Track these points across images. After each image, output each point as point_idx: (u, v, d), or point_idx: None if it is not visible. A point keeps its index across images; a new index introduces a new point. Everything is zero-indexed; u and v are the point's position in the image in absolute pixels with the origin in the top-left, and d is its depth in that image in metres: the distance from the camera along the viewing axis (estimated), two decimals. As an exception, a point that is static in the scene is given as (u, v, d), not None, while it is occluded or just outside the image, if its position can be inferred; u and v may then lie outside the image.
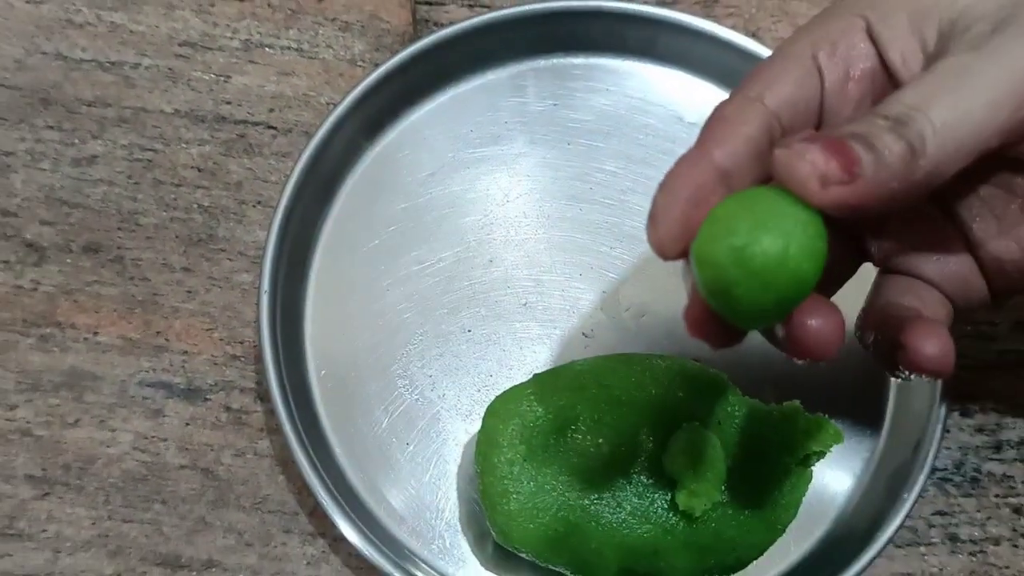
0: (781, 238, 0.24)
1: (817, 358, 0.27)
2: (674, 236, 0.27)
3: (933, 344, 0.29)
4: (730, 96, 0.30)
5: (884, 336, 0.31)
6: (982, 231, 0.32)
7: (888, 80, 0.30)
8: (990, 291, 0.33)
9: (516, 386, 0.39)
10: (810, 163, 0.25)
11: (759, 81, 0.30)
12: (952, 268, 0.32)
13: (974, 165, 0.27)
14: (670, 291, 0.44)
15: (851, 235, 0.33)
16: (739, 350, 0.43)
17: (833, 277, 0.33)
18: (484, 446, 0.37)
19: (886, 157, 0.25)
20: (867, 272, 0.35)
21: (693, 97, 0.47)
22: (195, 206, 0.45)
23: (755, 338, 0.43)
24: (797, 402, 0.39)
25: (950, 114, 0.26)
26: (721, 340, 0.29)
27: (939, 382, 0.40)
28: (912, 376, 0.31)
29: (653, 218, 0.27)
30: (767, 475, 0.38)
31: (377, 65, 0.46)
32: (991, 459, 0.43)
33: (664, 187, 0.28)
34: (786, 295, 0.25)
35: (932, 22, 0.29)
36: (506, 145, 0.46)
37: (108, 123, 0.47)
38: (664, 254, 0.27)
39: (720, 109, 0.30)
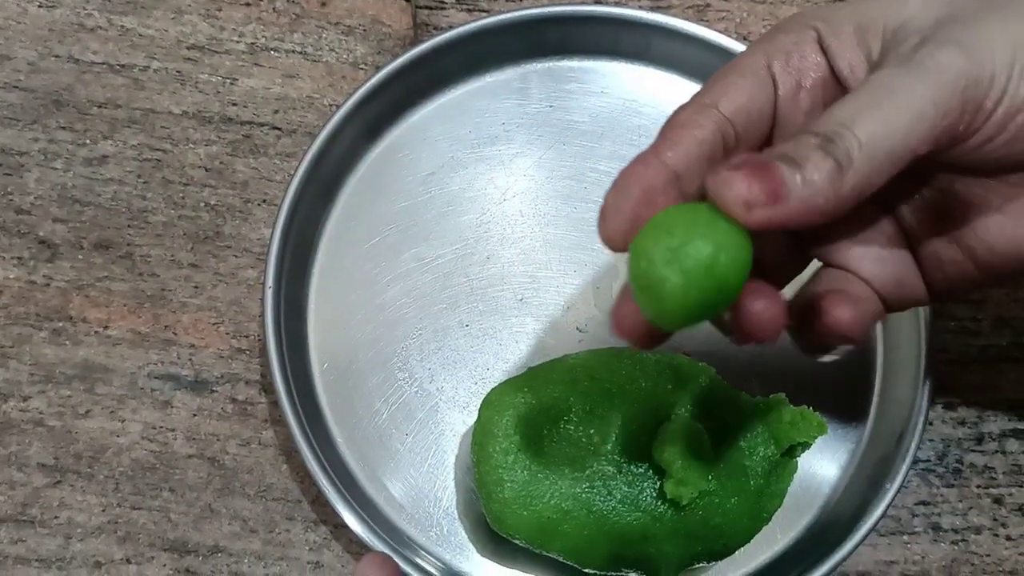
0: (712, 246, 0.26)
1: (759, 340, 0.28)
2: (623, 231, 0.28)
3: (846, 310, 0.30)
4: (687, 102, 0.32)
5: (805, 315, 0.32)
6: (923, 231, 0.33)
7: (839, 89, 0.32)
8: (929, 290, 0.34)
9: (511, 378, 0.40)
10: (734, 191, 0.27)
11: (715, 89, 0.31)
12: (890, 268, 0.33)
13: (913, 168, 0.28)
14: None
15: (797, 233, 0.34)
16: (726, 345, 0.44)
17: (783, 273, 0.34)
18: (480, 436, 0.39)
19: (813, 177, 0.27)
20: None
21: (685, 99, 0.48)
22: (202, 204, 0.47)
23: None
24: (783, 394, 0.40)
25: (875, 128, 0.27)
26: (644, 341, 0.30)
27: (923, 380, 0.42)
28: (825, 350, 0.32)
29: (604, 213, 0.29)
30: (753, 465, 0.39)
31: (379, 68, 0.47)
32: (973, 451, 0.44)
33: (617, 185, 0.29)
34: (710, 299, 0.27)
35: (876, 34, 0.31)
36: (503, 146, 0.47)
37: (119, 124, 0.48)
38: (612, 247, 0.29)
39: (676, 114, 0.31)
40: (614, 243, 0.29)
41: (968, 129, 0.28)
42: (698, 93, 0.32)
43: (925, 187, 0.33)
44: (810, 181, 0.27)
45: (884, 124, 0.27)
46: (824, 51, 0.32)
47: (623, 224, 0.28)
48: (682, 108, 0.31)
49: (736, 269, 0.27)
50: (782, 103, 0.32)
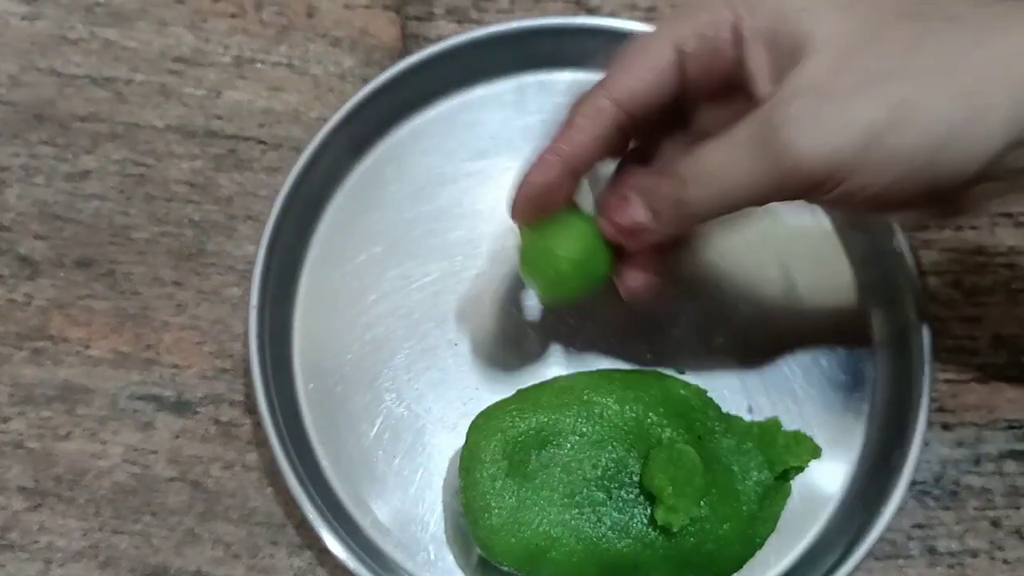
0: (582, 251, 0.36)
1: (634, 299, 0.38)
2: (527, 219, 0.37)
3: (636, 277, 0.38)
4: (589, 93, 0.35)
5: None
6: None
7: (744, 75, 0.33)
8: None
9: (499, 401, 0.40)
10: (603, 225, 0.36)
11: (616, 79, 0.35)
12: None
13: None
14: (654, 307, 0.44)
15: None
16: (718, 366, 0.44)
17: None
18: (467, 461, 0.38)
19: (662, 215, 0.34)
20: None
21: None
22: (186, 221, 0.46)
23: (734, 355, 0.44)
24: (776, 418, 0.40)
25: (710, 193, 0.33)
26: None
27: (920, 400, 0.41)
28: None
29: (513, 205, 0.36)
30: (746, 490, 0.38)
31: (367, 81, 0.46)
32: (970, 472, 0.43)
33: (523, 183, 0.36)
34: (580, 286, 0.37)
35: (785, 38, 0.32)
36: (493, 160, 0.47)
37: (101, 138, 0.47)
38: (519, 227, 0.37)
39: (576, 108, 0.36)
40: (519, 227, 0.37)
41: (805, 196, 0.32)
42: (600, 81, 0.35)
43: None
44: (661, 220, 0.34)
45: (721, 196, 0.32)
46: (736, 39, 0.33)
47: (528, 215, 0.36)
48: (582, 101, 0.36)
49: (600, 264, 0.37)
50: (692, 85, 0.35)
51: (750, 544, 0.39)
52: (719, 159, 0.32)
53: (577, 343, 0.44)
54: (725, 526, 0.37)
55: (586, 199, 0.38)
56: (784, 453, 0.39)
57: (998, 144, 0.29)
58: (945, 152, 0.30)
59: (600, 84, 0.35)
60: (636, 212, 0.34)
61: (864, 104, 0.30)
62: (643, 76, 0.34)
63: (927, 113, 0.29)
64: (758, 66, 0.33)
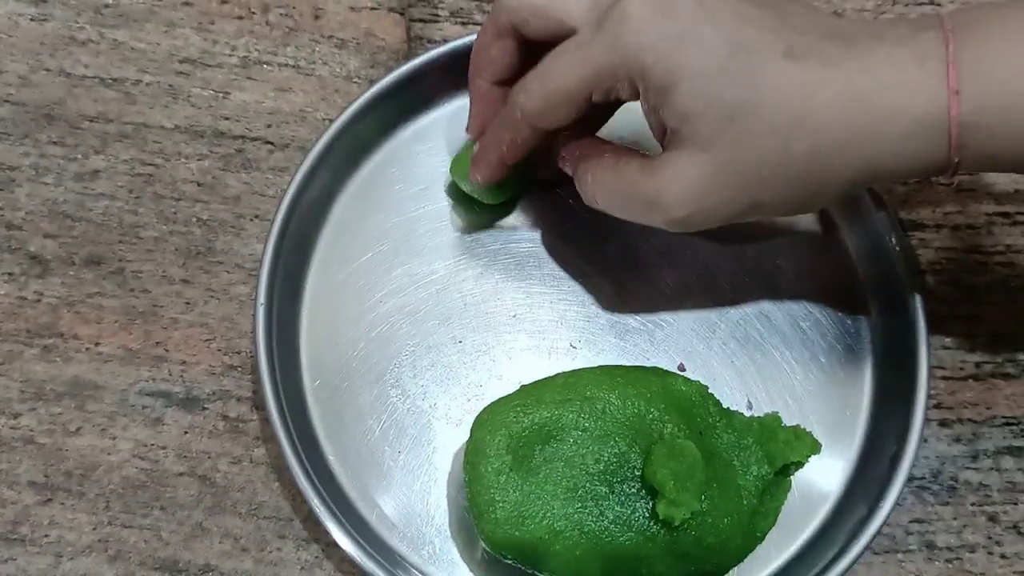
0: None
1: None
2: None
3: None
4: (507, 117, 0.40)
5: None
6: None
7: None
8: None
9: (503, 397, 0.40)
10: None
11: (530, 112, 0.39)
12: None
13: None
14: (654, 304, 0.45)
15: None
16: (719, 362, 0.44)
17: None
18: (472, 456, 0.39)
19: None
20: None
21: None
22: (194, 220, 0.47)
23: (734, 352, 0.44)
24: (777, 413, 0.40)
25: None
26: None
27: (918, 397, 0.41)
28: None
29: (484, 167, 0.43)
30: (747, 484, 0.39)
31: (372, 82, 0.47)
32: (968, 468, 0.44)
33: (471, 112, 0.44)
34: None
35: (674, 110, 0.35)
36: (497, 160, 0.47)
37: (110, 138, 0.48)
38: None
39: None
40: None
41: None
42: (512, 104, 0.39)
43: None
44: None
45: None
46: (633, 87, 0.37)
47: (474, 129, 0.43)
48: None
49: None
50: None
51: (751, 538, 0.39)
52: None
53: (579, 340, 0.45)
54: (726, 520, 0.38)
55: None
56: (784, 448, 0.39)
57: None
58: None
59: (518, 113, 0.39)
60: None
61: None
62: (559, 117, 0.38)
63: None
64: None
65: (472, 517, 0.39)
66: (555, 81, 0.37)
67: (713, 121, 0.34)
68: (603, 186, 0.39)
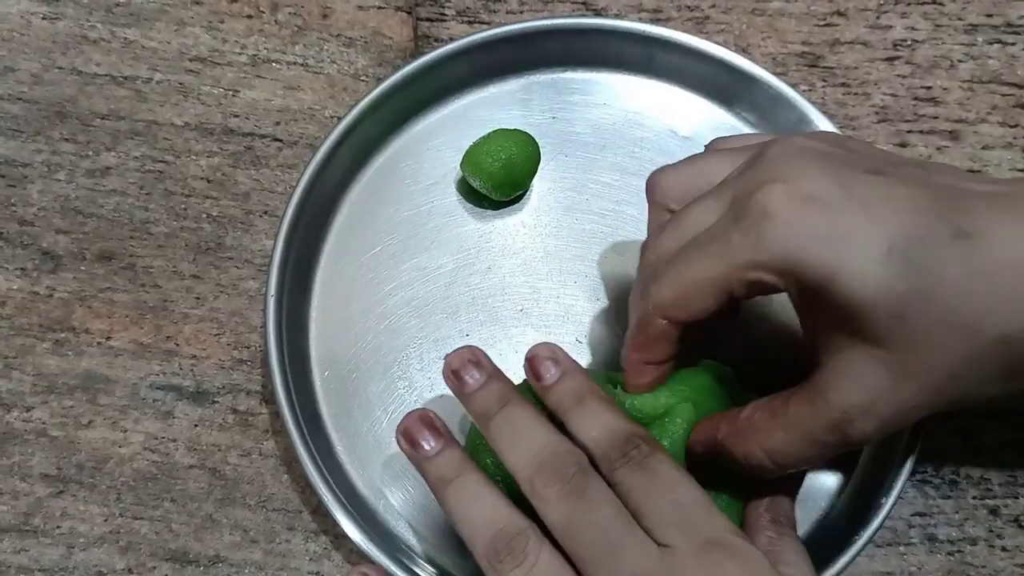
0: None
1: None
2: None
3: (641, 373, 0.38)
4: (643, 314, 0.35)
5: None
6: None
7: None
8: None
9: (509, 389, 0.40)
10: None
11: (665, 305, 0.35)
12: None
13: None
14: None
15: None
16: (719, 361, 0.44)
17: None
18: (472, 449, 0.39)
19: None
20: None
21: (686, 111, 0.49)
22: (204, 216, 0.47)
23: (734, 349, 0.45)
24: None
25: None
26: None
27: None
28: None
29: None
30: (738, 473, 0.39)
31: (380, 80, 0.48)
32: (969, 461, 0.44)
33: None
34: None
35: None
36: (504, 157, 0.48)
37: (121, 136, 0.48)
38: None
39: (636, 333, 0.36)
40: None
41: None
42: (647, 297, 0.35)
43: None
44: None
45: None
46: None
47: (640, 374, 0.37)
48: (640, 323, 0.36)
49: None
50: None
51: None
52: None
53: (586, 335, 0.45)
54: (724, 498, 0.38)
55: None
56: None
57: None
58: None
59: (650, 305, 0.35)
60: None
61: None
62: (693, 310, 0.34)
63: None
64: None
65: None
66: (690, 275, 0.33)
67: (885, 317, 0.30)
68: (778, 446, 0.34)
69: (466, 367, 0.36)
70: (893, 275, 0.30)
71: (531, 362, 0.37)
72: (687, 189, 0.37)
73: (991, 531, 0.43)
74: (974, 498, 0.44)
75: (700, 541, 0.31)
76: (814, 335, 0.33)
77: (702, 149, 0.40)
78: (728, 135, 0.40)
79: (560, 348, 0.37)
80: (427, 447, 0.35)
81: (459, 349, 0.37)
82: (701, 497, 0.32)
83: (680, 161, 0.38)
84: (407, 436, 0.36)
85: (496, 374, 0.36)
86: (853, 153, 0.33)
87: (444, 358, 0.37)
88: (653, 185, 0.38)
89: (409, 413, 0.36)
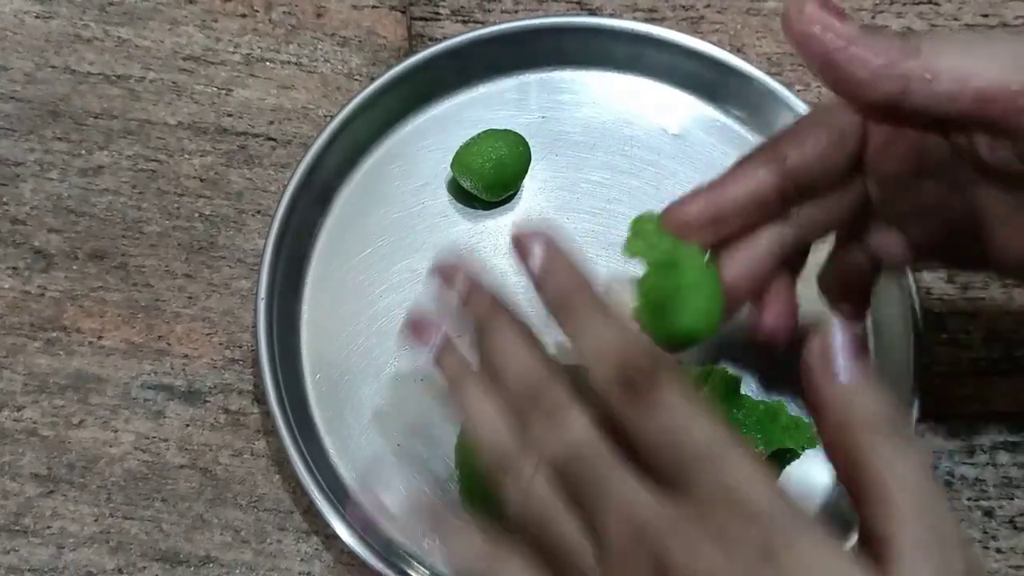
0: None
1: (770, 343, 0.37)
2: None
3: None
4: (762, 146, 0.34)
5: None
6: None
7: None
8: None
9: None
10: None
11: (791, 140, 0.34)
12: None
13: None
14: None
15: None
16: (720, 359, 0.44)
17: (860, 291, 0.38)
18: (462, 449, 0.39)
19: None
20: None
21: (677, 110, 0.49)
22: (197, 215, 0.47)
23: (734, 346, 0.44)
24: (782, 401, 0.41)
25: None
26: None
27: (914, 393, 0.42)
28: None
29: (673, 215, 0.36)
30: None
31: (373, 79, 0.47)
32: (964, 463, 0.44)
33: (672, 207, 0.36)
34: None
35: None
36: (497, 157, 0.48)
37: (114, 135, 0.48)
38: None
39: (745, 161, 0.35)
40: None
41: None
42: (774, 138, 0.34)
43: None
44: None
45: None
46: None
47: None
48: (751, 155, 0.35)
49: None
50: (871, 154, 0.33)
51: None
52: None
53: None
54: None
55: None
56: (782, 434, 0.40)
57: None
58: None
59: (772, 140, 0.34)
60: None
61: None
62: (815, 140, 0.33)
63: None
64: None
65: (466, 508, 0.39)
66: None
67: None
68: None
69: (536, 237, 0.34)
70: None
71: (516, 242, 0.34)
72: None
73: (985, 532, 0.43)
74: (969, 499, 0.44)
75: (708, 491, 0.26)
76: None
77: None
78: None
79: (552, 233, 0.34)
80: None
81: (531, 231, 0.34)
82: (720, 433, 0.27)
83: None
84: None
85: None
86: None
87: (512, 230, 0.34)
88: None
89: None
